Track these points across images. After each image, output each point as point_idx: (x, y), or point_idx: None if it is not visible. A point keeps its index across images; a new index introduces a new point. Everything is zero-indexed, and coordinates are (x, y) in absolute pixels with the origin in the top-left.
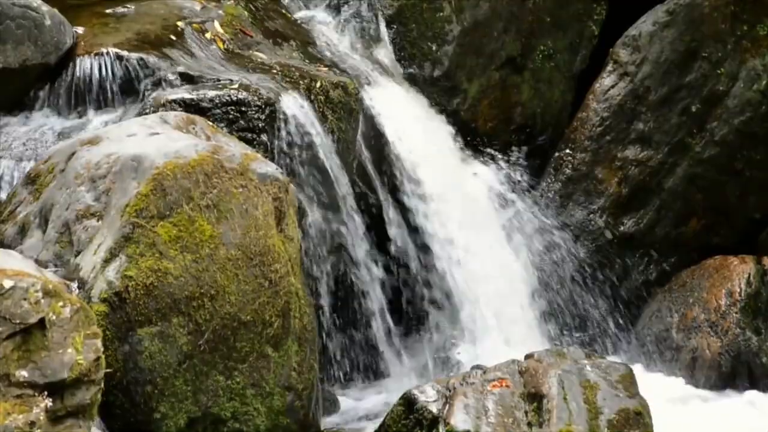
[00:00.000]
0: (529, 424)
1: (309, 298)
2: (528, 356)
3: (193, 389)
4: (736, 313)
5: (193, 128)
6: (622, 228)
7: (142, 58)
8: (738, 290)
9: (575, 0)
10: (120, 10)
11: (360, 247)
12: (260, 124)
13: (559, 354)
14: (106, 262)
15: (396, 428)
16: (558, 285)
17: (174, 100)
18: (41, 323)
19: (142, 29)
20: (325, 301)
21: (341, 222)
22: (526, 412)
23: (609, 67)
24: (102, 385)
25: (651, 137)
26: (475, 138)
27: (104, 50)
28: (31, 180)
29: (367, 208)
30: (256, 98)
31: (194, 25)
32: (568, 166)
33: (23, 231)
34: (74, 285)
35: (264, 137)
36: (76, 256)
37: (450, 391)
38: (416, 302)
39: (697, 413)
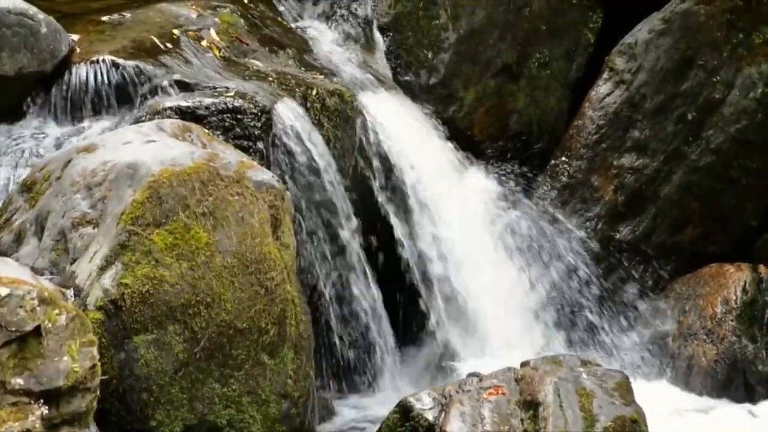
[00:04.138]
0: None
1: (305, 306)
2: (524, 364)
3: (188, 397)
4: (732, 320)
5: (189, 136)
6: (618, 236)
7: (138, 66)
8: (734, 298)
9: (571, 8)
10: (116, 17)
11: (356, 254)
12: (256, 132)
13: (555, 362)
14: (102, 269)
15: None
16: (554, 293)
17: (170, 108)
18: (37, 331)
19: (138, 37)
20: (322, 307)
21: (338, 229)
22: (522, 420)
23: (605, 75)
24: (98, 392)
25: (647, 145)
26: (471, 146)
27: (100, 58)
28: (27, 187)
29: (363, 215)
30: (252, 106)
31: (190, 32)
32: (564, 173)
33: (19, 238)
34: (70, 293)
35: (260, 145)
36: (71, 263)
37: (446, 398)
38: (413, 310)
39: (693, 421)
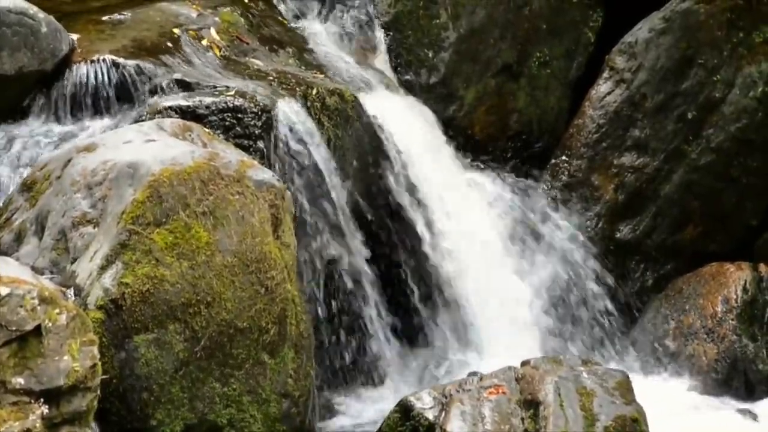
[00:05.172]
0: (526, 431)
1: (305, 305)
2: (524, 363)
3: (189, 396)
4: (732, 319)
5: (190, 135)
6: (618, 235)
7: (138, 65)
8: (734, 297)
9: (571, 7)
10: (116, 17)
11: (357, 254)
12: (257, 131)
13: (555, 361)
14: (103, 269)
15: None
16: (555, 292)
17: (170, 107)
18: (37, 330)
19: (138, 36)
20: (322, 308)
21: (338, 228)
22: (522, 419)
23: (605, 74)
24: (98, 392)
25: (647, 144)
26: (472, 145)
27: (100, 57)
28: (28, 187)
29: (363, 214)
30: (252, 105)
31: (190, 32)
32: (564, 172)
33: (19, 238)
34: (70, 292)
35: (260, 144)
36: (72, 263)
37: (446, 398)
38: (414, 309)
39: (694, 420)
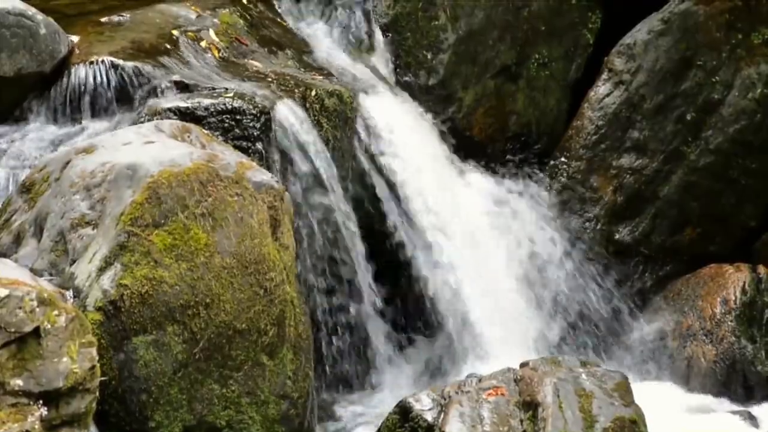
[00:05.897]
0: None
1: (304, 307)
2: (523, 364)
3: (188, 398)
4: (731, 321)
5: (188, 137)
6: (617, 236)
7: (137, 67)
8: (733, 298)
9: (570, 8)
10: (115, 18)
11: (355, 255)
12: (255, 133)
13: (554, 362)
14: (101, 270)
15: None
16: (553, 293)
17: (169, 109)
18: (36, 332)
19: (137, 38)
20: (320, 310)
21: (336, 230)
22: (521, 421)
23: (604, 76)
24: (97, 393)
25: (646, 145)
26: (470, 146)
27: (99, 59)
28: (26, 188)
29: (362, 215)
30: (251, 107)
31: (189, 33)
32: (563, 174)
33: (18, 239)
34: (69, 294)
35: (259, 145)
36: (71, 264)
37: (445, 399)
38: (412, 311)
39: (693, 421)
